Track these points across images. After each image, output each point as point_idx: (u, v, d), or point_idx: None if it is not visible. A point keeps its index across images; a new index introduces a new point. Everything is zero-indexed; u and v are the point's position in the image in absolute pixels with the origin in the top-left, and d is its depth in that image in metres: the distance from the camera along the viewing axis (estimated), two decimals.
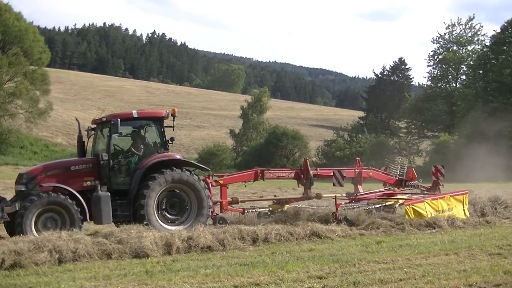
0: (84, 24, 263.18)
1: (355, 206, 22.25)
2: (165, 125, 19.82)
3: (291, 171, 24.74)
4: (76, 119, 20.33)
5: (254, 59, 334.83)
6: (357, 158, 27.40)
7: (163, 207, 19.07)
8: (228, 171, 54.45)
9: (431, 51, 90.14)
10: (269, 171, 24.22)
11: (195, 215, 19.14)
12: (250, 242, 17.77)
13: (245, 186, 25.81)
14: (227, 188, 23.00)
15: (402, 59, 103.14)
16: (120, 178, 19.17)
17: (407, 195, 24.02)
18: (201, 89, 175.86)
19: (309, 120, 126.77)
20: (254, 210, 22.81)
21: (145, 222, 18.15)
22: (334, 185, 23.30)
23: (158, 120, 19.79)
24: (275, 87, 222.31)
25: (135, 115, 19.68)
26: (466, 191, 22.94)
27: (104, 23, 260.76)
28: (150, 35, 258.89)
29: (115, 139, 19.33)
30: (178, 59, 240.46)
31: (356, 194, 23.87)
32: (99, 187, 18.35)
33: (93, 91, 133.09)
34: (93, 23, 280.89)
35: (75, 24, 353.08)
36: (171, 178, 18.73)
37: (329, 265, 14.38)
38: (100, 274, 13.80)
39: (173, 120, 19.89)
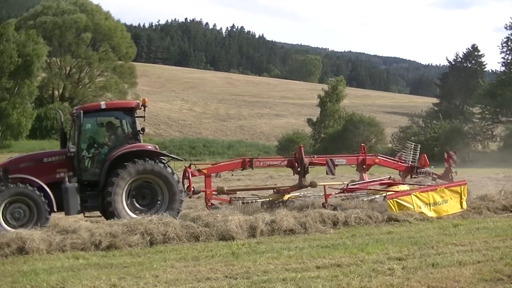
0: (167, 20, 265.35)
1: (343, 197, 20.77)
2: (136, 115, 18.73)
3: (284, 159, 22.87)
4: (60, 112, 19.74)
5: (329, 49, 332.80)
6: (361, 144, 24.84)
7: (134, 197, 18.08)
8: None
9: (505, 38, 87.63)
10: (258, 159, 22.19)
11: (166, 208, 17.99)
12: (331, 225, 17.68)
13: (232, 175, 24.90)
14: (211, 177, 21.03)
15: (475, 46, 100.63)
16: (91, 169, 18.38)
17: (406, 185, 21.52)
18: (279, 79, 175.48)
19: (384, 108, 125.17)
20: (254, 201, 21.53)
21: (110, 210, 17.54)
22: (327, 173, 21.88)
23: (128, 111, 18.75)
24: (351, 76, 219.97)
25: (103, 107, 18.88)
26: (465, 182, 20.66)
27: (186, 19, 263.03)
28: (229, 28, 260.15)
29: (86, 131, 18.58)
30: (256, 51, 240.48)
31: (347, 184, 21.35)
32: (66, 179, 17.63)
33: (176, 83, 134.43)
34: (175, 18, 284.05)
35: (159, 20, 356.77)
36: (142, 168, 17.70)
37: (408, 247, 14.29)
38: (189, 255, 14.06)
39: (144, 110, 18.92)
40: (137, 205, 18.07)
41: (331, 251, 14.08)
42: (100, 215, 18.37)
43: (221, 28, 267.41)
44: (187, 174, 20.08)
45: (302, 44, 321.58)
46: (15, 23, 72.65)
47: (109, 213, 17.60)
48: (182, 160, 20.58)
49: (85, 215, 18.21)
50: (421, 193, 19.21)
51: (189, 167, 20.40)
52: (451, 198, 19.56)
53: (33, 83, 65.24)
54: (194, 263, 13.18)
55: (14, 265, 13.70)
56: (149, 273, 12.33)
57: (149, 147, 18.58)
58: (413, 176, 23.21)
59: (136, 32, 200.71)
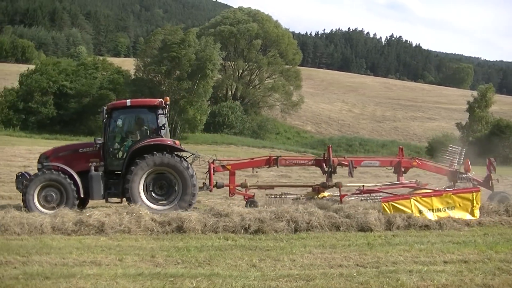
0: (332, 29, 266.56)
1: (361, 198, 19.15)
2: (160, 112, 18.52)
3: (311, 159, 21.53)
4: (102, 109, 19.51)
5: (482, 59, 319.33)
6: (400, 146, 22.13)
7: (151, 188, 17.99)
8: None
9: None
10: (284, 158, 20.79)
11: (179, 199, 17.83)
12: (465, 223, 16.91)
13: (256, 172, 22.74)
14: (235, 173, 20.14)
15: None
16: (116, 160, 18.41)
17: (421, 190, 19.18)
18: (433, 85, 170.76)
19: None
20: (285, 196, 19.98)
21: (127, 196, 17.59)
22: (348, 174, 20.01)
23: (151, 108, 18.61)
24: (501, 84, 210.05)
25: (129, 104, 18.82)
26: (478, 189, 18.22)
27: (349, 28, 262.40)
28: (388, 37, 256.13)
29: (112, 125, 18.55)
30: (413, 58, 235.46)
31: (363, 186, 19.93)
32: (92, 168, 17.88)
33: (338, 87, 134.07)
34: (339, 28, 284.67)
35: (324, 29, 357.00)
36: (159, 161, 17.58)
37: None
38: (328, 243, 13.94)
39: (165, 108, 18.87)
40: (154, 195, 18.04)
41: (460, 248, 13.53)
42: (119, 201, 18.38)
43: (380, 37, 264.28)
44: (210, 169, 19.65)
45: (456, 53, 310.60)
46: (197, 32, 75.11)
47: (127, 199, 17.74)
48: (198, 156, 19.35)
49: (108, 200, 18.34)
50: (422, 198, 17.35)
51: (213, 162, 19.92)
52: (459, 205, 17.40)
53: (209, 83, 67.16)
54: (330, 251, 13.08)
55: (172, 241, 14.15)
56: (287, 257, 12.34)
57: (168, 142, 18.27)
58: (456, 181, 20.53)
59: (304, 40, 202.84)
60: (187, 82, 63.54)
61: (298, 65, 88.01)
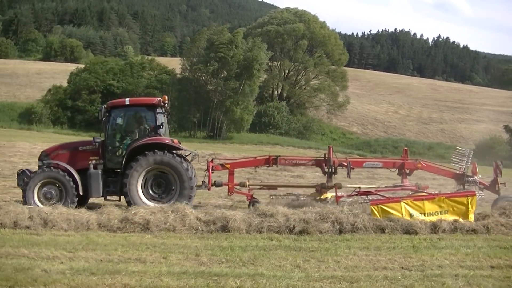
0: (378, 30, 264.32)
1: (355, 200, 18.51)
2: (158, 111, 18.60)
3: (311, 159, 20.72)
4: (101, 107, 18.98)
5: None
6: (404, 148, 21.61)
7: (149, 185, 18.09)
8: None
9: None
10: (284, 158, 20.46)
11: (177, 195, 17.90)
12: None
13: (256, 171, 22.66)
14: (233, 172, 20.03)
15: None
16: (115, 158, 18.49)
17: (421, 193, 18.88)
18: (481, 87, 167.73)
19: None
20: (291, 196, 19.99)
21: (125, 194, 17.72)
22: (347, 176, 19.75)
23: (150, 107, 18.69)
24: None
25: (127, 102, 18.98)
26: (473, 192, 17.44)
27: (395, 29, 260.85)
28: (435, 38, 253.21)
29: (113, 123, 18.73)
30: (460, 59, 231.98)
31: (360, 187, 19.44)
32: (91, 165, 18.04)
33: (384, 88, 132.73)
34: (385, 28, 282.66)
35: (370, 30, 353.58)
36: (154, 159, 17.73)
37: None
38: (372, 245, 13.83)
39: (164, 107, 18.91)
40: (151, 192, 18.16)
41: (508, 252, 13.28)
42: (118, 199, 18.48)
43: (427, 38, 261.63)
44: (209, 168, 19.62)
45: (505, 54, 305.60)
46: (244, 32, 75.38)
47: (125, 196, 17.85)
48: (197, 155, 19.70)
49: (106, 198, 18.47)
50: (413, 201, 16.76)
51: (212, 161, 19.88)
52: (453, 209, 16.71)
53: (255, 83, 67.33)
54: (375, 253, 12.98)
55: (216, 240, 14.20)
56: (332, 258, 12.28)
57: (166, 141, 18.31)
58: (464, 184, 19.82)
59: (350, 41, 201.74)
60: (234, 82, 63.76)
61: (344, 66, 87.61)
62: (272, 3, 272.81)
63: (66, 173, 17.71)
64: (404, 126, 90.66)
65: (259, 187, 20.82)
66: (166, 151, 17.95)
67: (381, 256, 12.67)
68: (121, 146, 18.63)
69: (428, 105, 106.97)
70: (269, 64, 79.46)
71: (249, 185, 20.17)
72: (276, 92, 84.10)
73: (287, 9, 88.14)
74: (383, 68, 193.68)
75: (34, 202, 17.40)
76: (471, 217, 16.64)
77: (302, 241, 14.26)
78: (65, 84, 73.66)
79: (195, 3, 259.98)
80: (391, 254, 12.88)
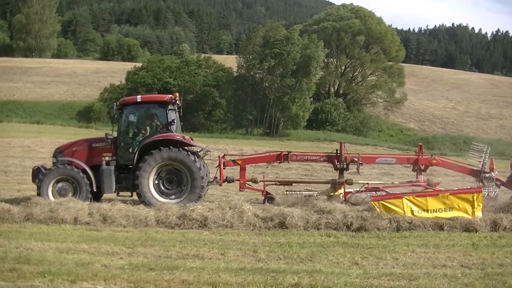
0: (435, 25, 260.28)
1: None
2: (170, 108, 18.76)
3: (323, 155, 20.34)
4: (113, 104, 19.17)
5: None
6: (419, 144, 21.25)
7: (161, 182, 18.31)
8: None
9: None
10: (295, 153, 20.28)
11: (188, 193, 18.02)
12: None
13: (267, 167, 22.34)
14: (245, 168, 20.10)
15: None
16: (127, 154, 18.67)
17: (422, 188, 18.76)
18: None
19: None
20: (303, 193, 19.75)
21: (138, 191, 17.91)
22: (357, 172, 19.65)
23: (161, 104, 18.84)
24: None
25: (139, 100, 19.16)
26: (480, 189, 16.92)
27: (453, 24, 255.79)
28: (494, 32, 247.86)
29: (125, 120, 18.92)
30: None
31: (368, 183, 19.32)
32: (104, 162, 18.30)
33: (442, 84, 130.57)
34: (443, 23, 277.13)
35: (427, 25, 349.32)
36: (167, 155, 17.89)
37: None
38: (431, 243, 13.70)
39: (175, 104, 19.07)
40: (163, 188, 18.34)
41: None
42: (130, 195, 18.71)
43: (486, 33, 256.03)
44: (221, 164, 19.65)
45: None
46: (300, 29, 75.19)
47: (137, 194, 18.00)
48: (209, 151, 19.91)
49: (119, 194, 18.66)
50: (415, 198, 16.31)
51: (223, 157, 19.84)
52: (458, 206, 16.16)
53: (312, 80, 67.12)
54: (434, 250, 12.85)
55: (274, 236, 14.25)
56: (390, 255, 12.20)
57: (177, 137, 18.40)
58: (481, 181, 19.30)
59: (406, 36, 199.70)
60: (290, 79, 63.70)
61: (401, 62, 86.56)
62: (328, 0, 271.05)
63: (80, 170, 18.13)
64: (462, 122, 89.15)
65: (273, 183, 20.88)
66: (180, 148, 18.18)
67: (440, 253, 12.53)
68: (133, 143, 18.90)
69: (487, 100, 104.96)
70: (326, 61, 79.13)
71: (264, 181, 20.26)
72: (332, 89, 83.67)
73: (343, 5, 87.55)
74: (441, 64, 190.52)
75: (49, 198, 17.71)
76: (478, 214, 16.14)
77: (359, 238, 14.23)
78: (122, 82, 74.82)
79: (251, 0, 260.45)
80: (450, 251, 12.71)
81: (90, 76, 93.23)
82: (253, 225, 15.29)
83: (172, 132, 18.58)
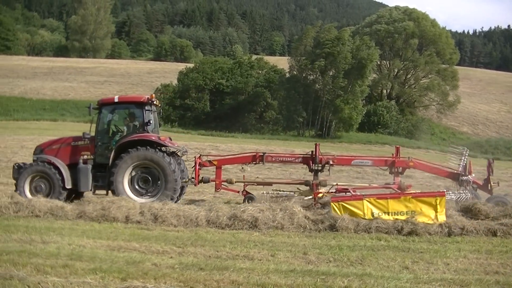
0: (490, 27, 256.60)
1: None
2: (147, 109, 19.07)
3: (298, 156, 20.31)
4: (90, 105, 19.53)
5: None
6: (396, 146, 21.26)
7: (136, 181, 18.65)
8: None
9: None
10: (270, 155, 20.38)
11: (163, 188, 18.39)
12: None
13: (242, 168, 21.91)
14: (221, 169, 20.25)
15: None
16: (104, 153, 18.91)
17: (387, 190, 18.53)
18: None
19: None
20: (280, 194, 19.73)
21: (112, 189, 18.33)
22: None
23: (138, 104, 19.19)
24: None
25: (116, 100, 19.44)
26: (443, 193, 16.54)
27: (508, 26, 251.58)
28: None
29: (103, 120, 19.20)
30: None
31: (337, 184, 19.06)
32: (81, 161, 18.73)
33: (496, 87, 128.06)
34: (498, 25, 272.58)
35: (482, 27, 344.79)
36: (141, 155, 18.28)
37: None
38: (483, 249, 13.47)
39: (152, 105, 19.39)
40: (138, 188, 18.72)
41: None
42: (105, 194, 19.02)
43: None
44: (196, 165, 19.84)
45: None
46: (353, 31, 74.82)
47: (112, 192, 18.35)
48: (185, 152, 20.63)
49: (95, 192, 19.07)
50: (376, 200, 15.94)
51: (199, 158, 20.09)
52: (420, 210, 15.78)
53: (364, 82, 66.75)
54: (486, 256, 12.64)
55: (324, 239, 14.24)
56: (441, 260, 12.06)
57: (153, 138, 18.73)
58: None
59: (460, 38, 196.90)
60: (342, 80, 63.44)
61: (455, 65, 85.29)
62: (381, 1, 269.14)
63: (52, 167, 18.52)
64: None
65: (254, 183, 20.97)
66: (148, 147, 18.50)
67: (493, 260, 12.32)
68: (110, 142, 19.23)
69: None
70: (379, 63, 78.57)
71: (244, 182, 20.38)
72: (385, 91, 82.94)
73: (396, 7, 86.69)
74: (495, 67, 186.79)
75: (25, 194, 18.27)
76: (440, 217, 15.84)
77: (410, 242, 14.10)
78: (175, 83, 75.58)
79: (304, 2, 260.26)
80: (503, 258, 12.49)
81: (143, 76, 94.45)
82: (304, 227, 15.30)
83: (148, 132, 19.01)
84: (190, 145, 37.13)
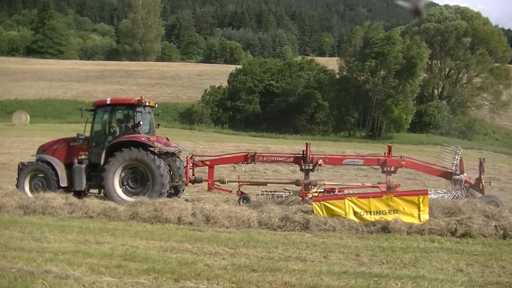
0: None
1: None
2: (138, 110, 19.41)
3: (289, 156, 20.33)
4: (81, 107, 20.21)
5: None
6: (388, 145, 20.87)
7: (126, 181, 19.01)
8: None
9: None
10: (262, 154, 20.34)
11: (150, 190, 18.63)
12: None
13: (234, 168, 21.84)
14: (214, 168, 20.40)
15: None
16: (97, 154, 19.26)
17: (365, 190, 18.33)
18: None
19: None
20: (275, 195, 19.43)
21: (103, 188, 18.86)
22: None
23: (129, 106, 19.65)
24: None
25: (108, 102, 19.96)
26: (426, 191, 16.08)
27: None
28: None
29: (98, 121, 19.81)
30: None
31: (325, 184, 19.20)
32: (76, 160, 19.31)
33: None
34: None
35: None
36: (129, 156, 18.63)
37: None
38: None
39: (142, 107, 19.63)
40: (128, 188, 19.05)
41: None
42: (98, 192, 19.67)
43: None
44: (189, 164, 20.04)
45: None
46: (402, 30, 74.18)
47: (103, 192, 19.04)
48: (181, 151, 20.98)
49: (88, 191, 19.74)
50: (358, 199, 15.59)
51: (191, 158, 20.21)
52: (403, 209, 15.37)
53: (415, 82, 66.16)
54: None
55: (376, 240, 14.13)
56: (496, 263, 11.85)
57: (142, 139, 18.93)
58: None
59: None
60: (393, 80, 62.94)
61: (508, 63, 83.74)
62: (431, 0, 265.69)
63: (50, 167, 19.25)
64: None
65: (248, 183, 20.94)
66: (139, 148, 18.76)
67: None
68: (104, 143, 19.69)
69: None
70: (429, 63, 77.69)
71: (239, 181, 20.44)
72: (436, 91, 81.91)
73: (446, 6, 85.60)
74: None
75: (25, 192, 19.02)
76: (423, 217, 15.49)
77: (464, 244, 13.85)
78: (225, 84, 76.03)
79: (353, 2, 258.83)
80: None
81: (193, 79, 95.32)
82: (356, 229, 15.21)
83: (139, 133, 19.30)
84: (242, 146, 37.27)
